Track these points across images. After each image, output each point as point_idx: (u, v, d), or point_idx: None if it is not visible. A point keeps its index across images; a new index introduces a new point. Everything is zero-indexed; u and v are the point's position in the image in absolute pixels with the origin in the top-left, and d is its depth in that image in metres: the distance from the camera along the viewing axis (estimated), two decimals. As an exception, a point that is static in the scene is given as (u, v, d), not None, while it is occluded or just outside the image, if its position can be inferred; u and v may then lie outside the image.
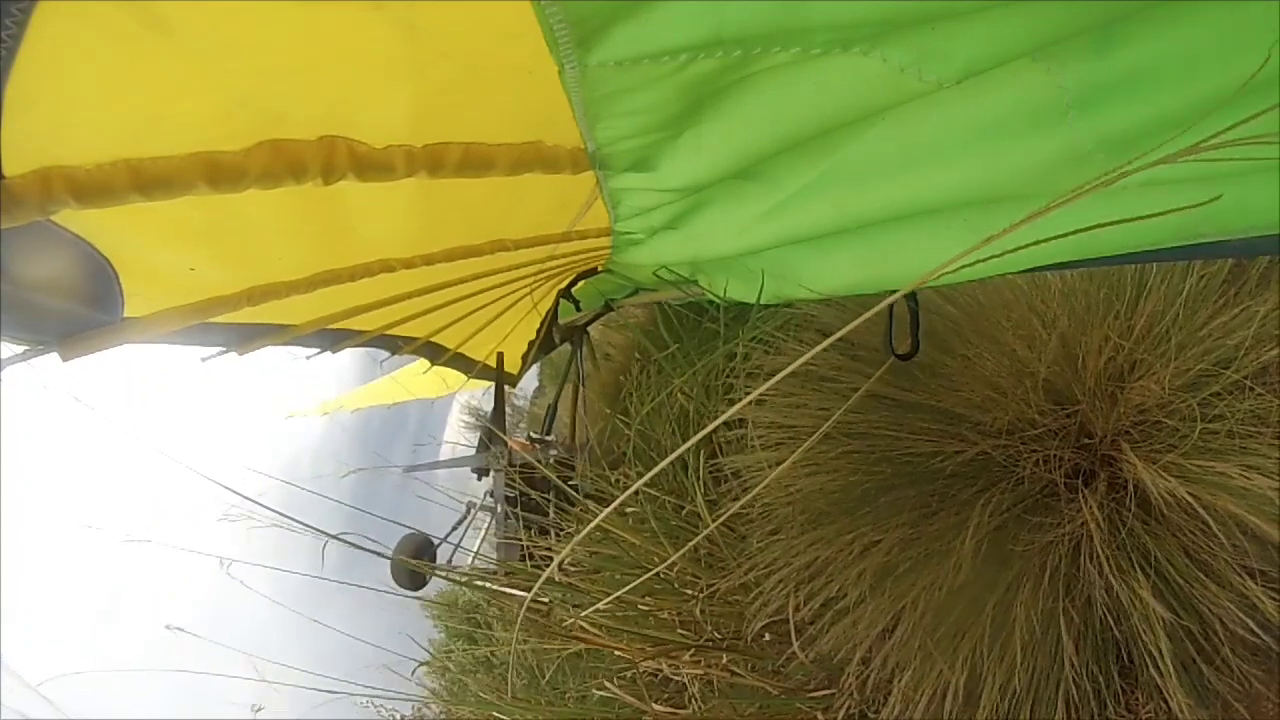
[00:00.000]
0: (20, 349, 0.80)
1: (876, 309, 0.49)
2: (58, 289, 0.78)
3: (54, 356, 0.83)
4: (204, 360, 1.20)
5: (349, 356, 1.74)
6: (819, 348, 0.47)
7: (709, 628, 1.70)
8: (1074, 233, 0.53)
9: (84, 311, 0.83)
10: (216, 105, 0.64)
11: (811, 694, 1.57)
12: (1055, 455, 1.40)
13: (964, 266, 0.48)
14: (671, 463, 2.16)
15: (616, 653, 1.69)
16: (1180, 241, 0.62)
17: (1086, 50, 0.59)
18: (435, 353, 2.37)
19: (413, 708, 2.81)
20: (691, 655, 1.65)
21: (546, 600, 1.89)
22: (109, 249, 0.78)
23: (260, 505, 1.69)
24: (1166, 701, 1.21)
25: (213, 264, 0.96)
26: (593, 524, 0.90)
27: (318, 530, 1.74)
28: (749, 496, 1.30)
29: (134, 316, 0.89)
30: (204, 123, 0.65)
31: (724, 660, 1.65)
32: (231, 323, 1.10)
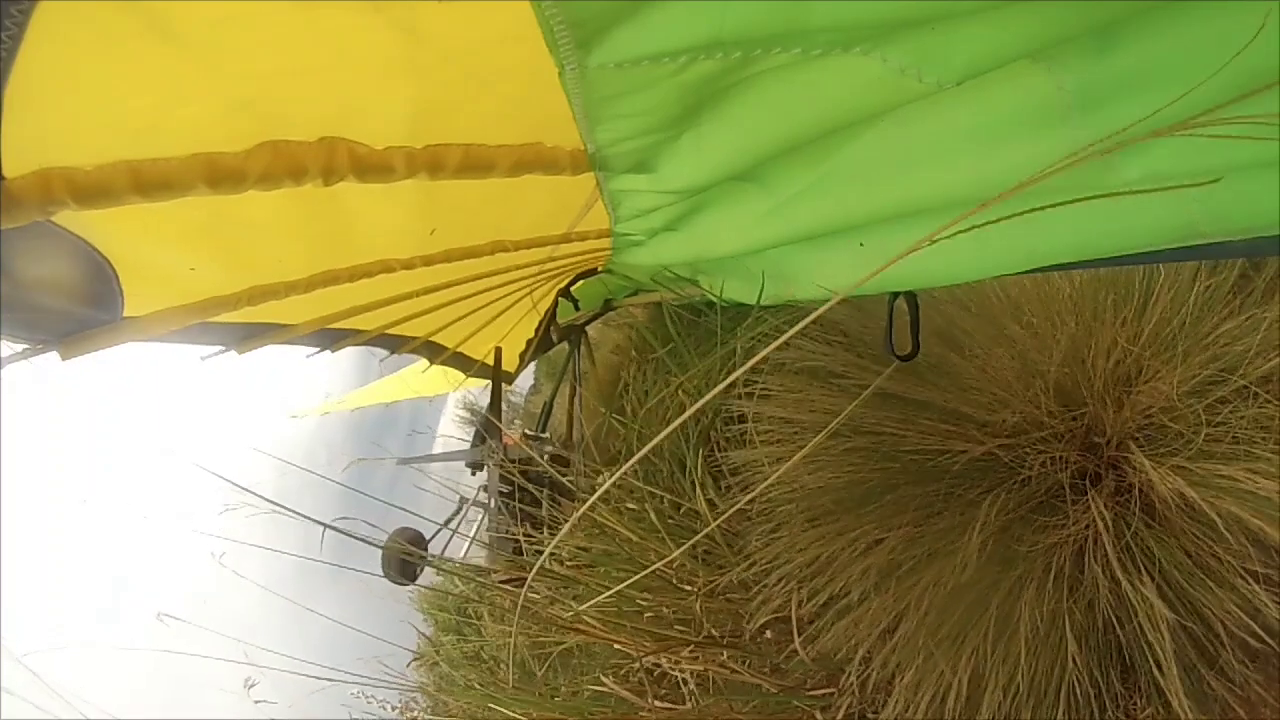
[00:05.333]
0: (20, 348, 0.80)
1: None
2: (57, 289, 0.78)
3: (54, 356, 0.83)
4: (204, 359, 1.20)
5: (347, 358, 1.74)
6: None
7: (707, 624, 1.70)
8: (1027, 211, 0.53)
9: (83, 311, 0.83)
10: (217, 107, 0.64)
11: (810, 693, 1.57)
12: (1061, 457, 1.40)
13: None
14: (670, 461, 2.16)
15: (615, 647, 1.69)
16: (1180, 242, 0.62)
17: (1087, 51, 0.59)
18: (434, 351, 2.37)
19: (400, 699, 2.82)
20: (690, 651, 1.65)
21: (537, 597, 1.89)
22: (109, 249, 0.78)
23: (255, 495, 1.69)
24: (1166, 704, 1.21)
25: (213, 264, 0.96)
26: (579, 513, 0.91)
27: (313, 520, 1.74)
28: (756, 492, 1.30)
29: (133, 316, 0.89)
30: (204, 124, 0.65)
31: (723, 657, 1.65)
32: (231, 322, 1.10)
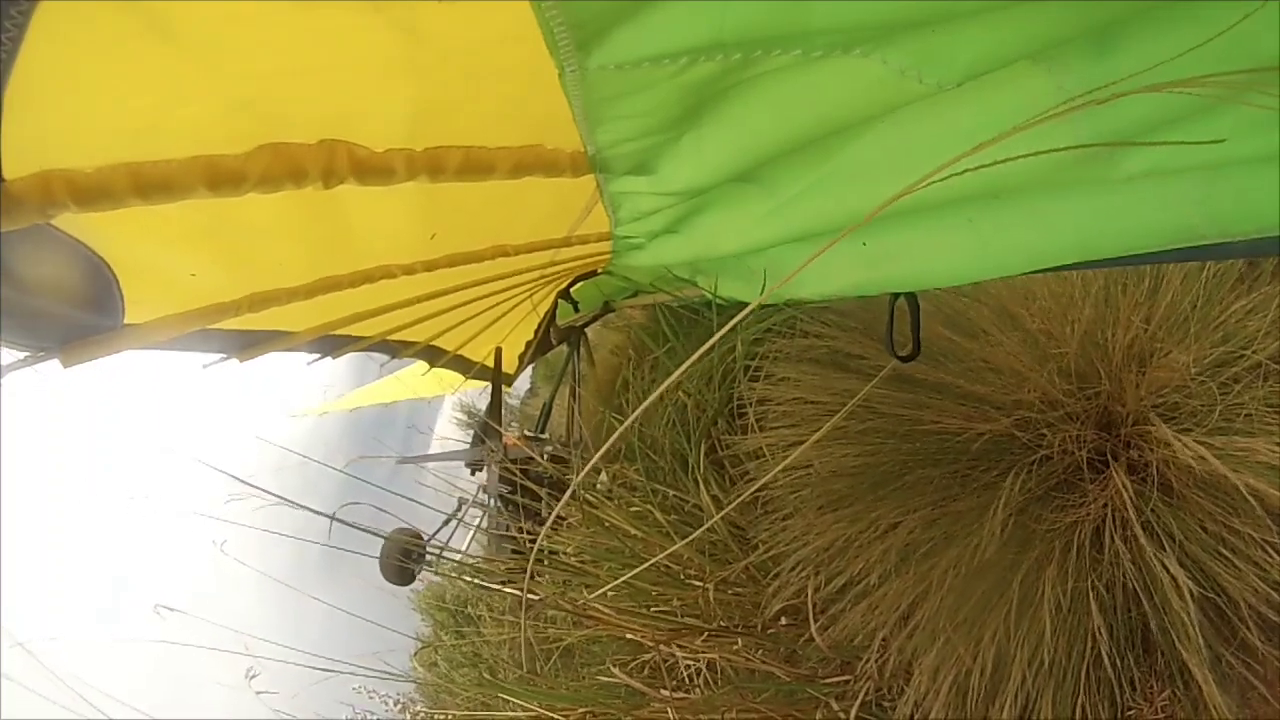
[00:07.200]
0: (21, 355, 0.80)
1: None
2: (58, 294, 0.77)
3: (54, 362, 0.83)
4: (205, 367, 1.20)
5: (345, 359, 1.74)
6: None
7: (719, 614, 1.69)
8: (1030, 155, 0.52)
9: (84, 317, 0.83)
10: (217, 107, 0.64)
11: (825, 680, 1.56)
12: (1078, 435, 1.40)
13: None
14: (672, 459, 2.16)
15: (627, 637, 1.68)
16: (1180, 243, 0.62)
17: (1087, 51, 0.59)
18: (434, 355, 2.37)
19: (399, 696, 2.81)
20: (704, 640, 1.64)
21: (536, 597, 1.89)
22: (110, 253, 0.77)
23: (255, 486, 1.70)
24: (1185, 684, 1.21)
25: (214, 268, 0.95)
26: (561, 501, 0.91)
27: (316, 511, 1.74)
28: (769, 476, 1.28)
29: (134, 322, 0.88)
30: (205, 125, 0.65)
31: (736, 645, 1.63)
32: (232, 329, 1.10)
